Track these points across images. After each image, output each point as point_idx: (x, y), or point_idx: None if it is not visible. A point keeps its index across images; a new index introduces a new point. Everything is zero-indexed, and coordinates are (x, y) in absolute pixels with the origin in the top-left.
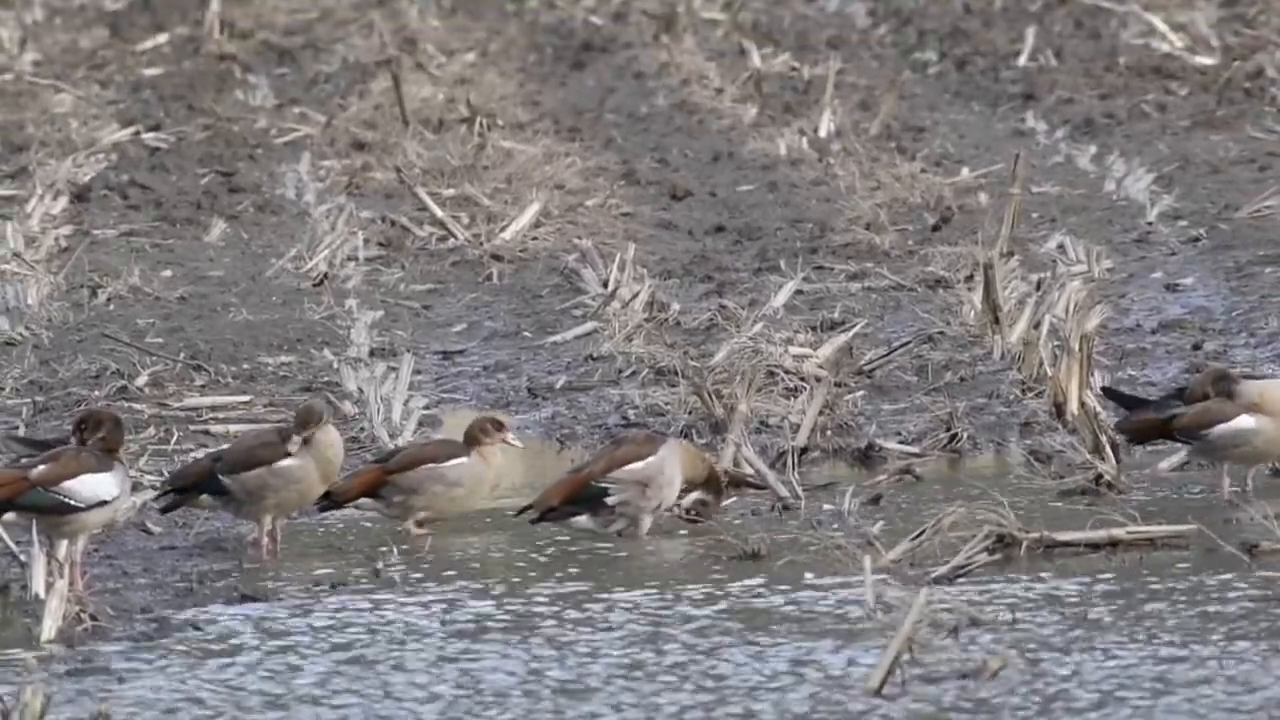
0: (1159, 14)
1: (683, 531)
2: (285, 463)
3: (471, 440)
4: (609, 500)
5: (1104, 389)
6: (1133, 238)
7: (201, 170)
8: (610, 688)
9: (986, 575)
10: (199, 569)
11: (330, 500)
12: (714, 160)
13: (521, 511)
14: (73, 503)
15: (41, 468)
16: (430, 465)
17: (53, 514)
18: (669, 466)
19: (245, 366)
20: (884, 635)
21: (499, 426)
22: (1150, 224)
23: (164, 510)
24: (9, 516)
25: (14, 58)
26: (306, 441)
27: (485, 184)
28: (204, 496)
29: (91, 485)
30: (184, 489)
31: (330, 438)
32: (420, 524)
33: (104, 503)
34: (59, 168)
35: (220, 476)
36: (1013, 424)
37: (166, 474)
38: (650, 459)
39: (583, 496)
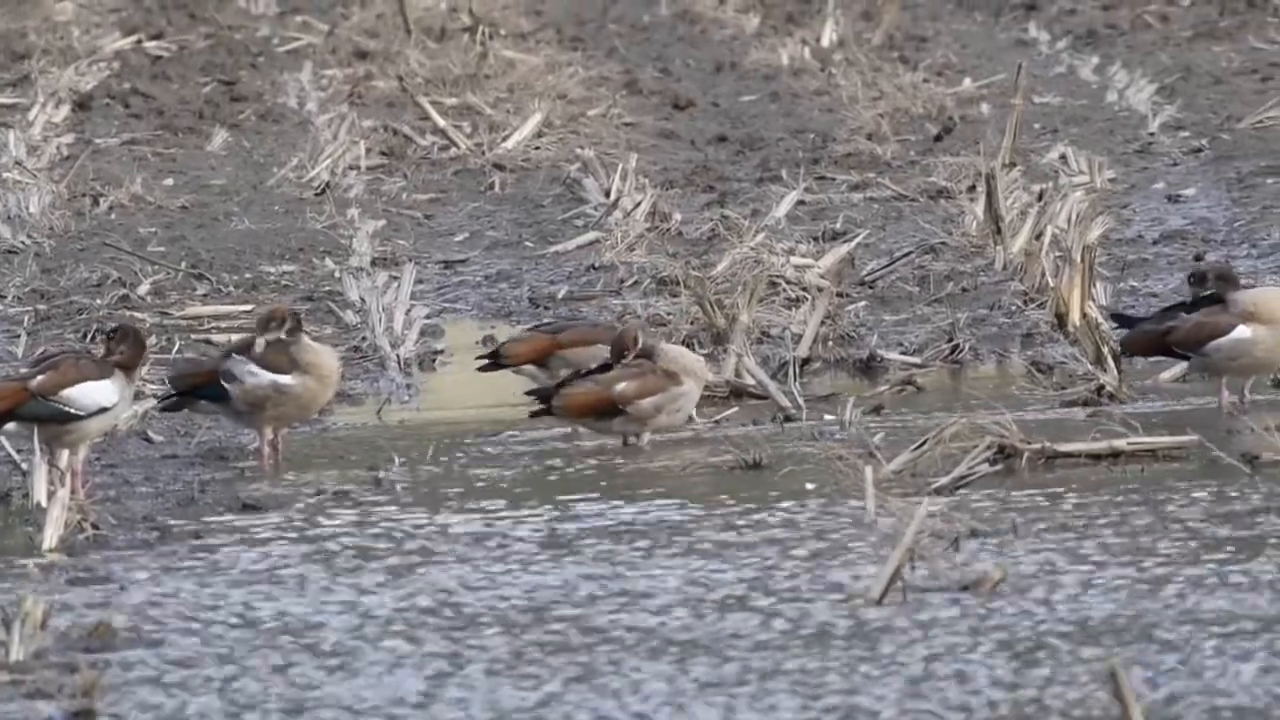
0: None
1: (684, 441)
2: (286, 379)
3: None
4: (622, 417)
5: (1108, 312)
6: (1134, 148)
7: (203, 79)
8: (605, 601)
9: (988, 485)
10: (200, 478)
11: (496, 361)
12: (716, 70)
13: (534, 415)
14: (73, 411)
15: (40, 377)
16: (600, 346)
17: (54, 423)
18: (691, 397)
19: (247, 276)
20: (885, 545)
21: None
22: (1152, 135)
23: (163, 409)
24: (10, 426)
25: None
26: (270, 344)
27: (487, 93)
28: (203, 402)
29: (91, 393)
30: (186, 391)
31: (328, 359)
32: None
33: (104, 409)
34: (61, 76)
35: (223, 382)
36: (1014, 335)
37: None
38: (676, 390)
39: (602, 411)
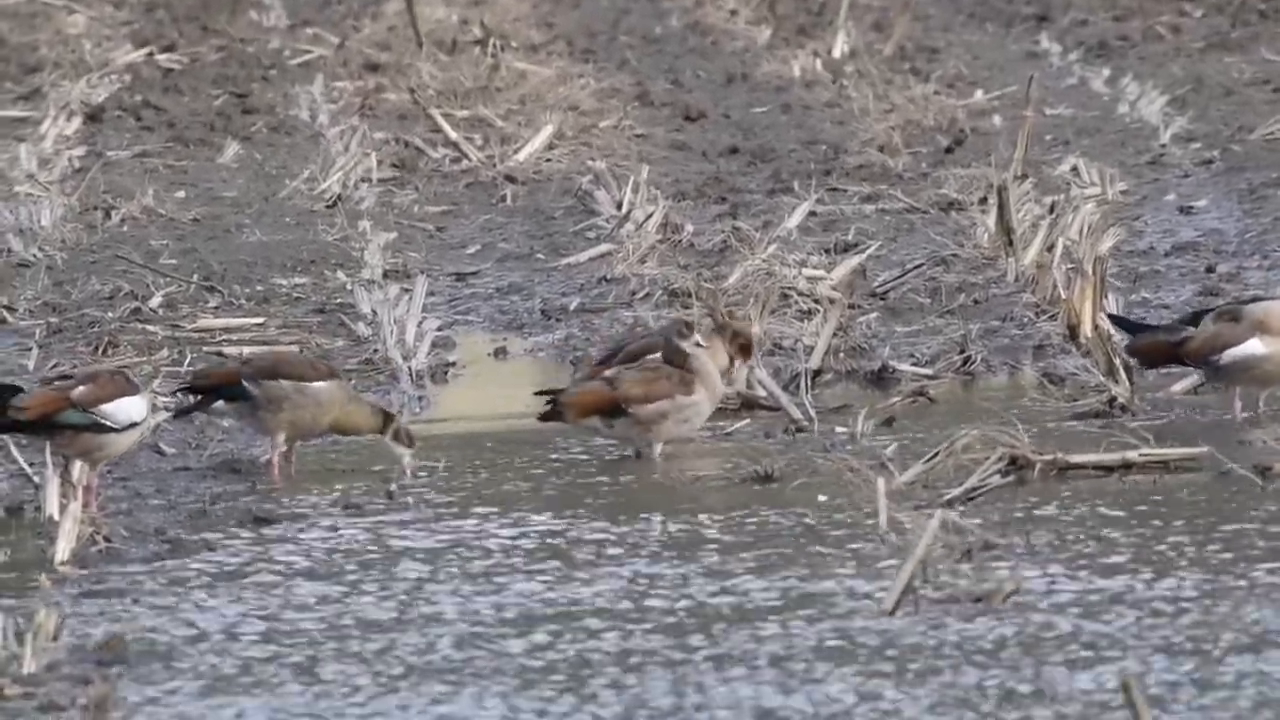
0: None
1: (695, 454)
2: (315, 384)
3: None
4: (624, 418)
5: (1109, 315)
6: (1146, 160)
7: (215, 91)
8: (619, 610)
9: (1000, 497)
10: (212, 490)
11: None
12: (728, 82)
13: (543, 417)
14: (108, 424)
15: (81, 389)
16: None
17: (88, 433)
18: (700, 410)
19: (259, 288)
20: (898, 557)
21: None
22: (1164, 146)
23: (178, 414)
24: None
25: None
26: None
27: (499, 105)
28: (220, 403)
29: (126, 408)
30: (205, 389)
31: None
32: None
33: (134, 424)
34: (72, 89)
35: (245, 381)
36: (1026, 346)
37: (187, 376)
38: (684, 399)
39: (606, 411)
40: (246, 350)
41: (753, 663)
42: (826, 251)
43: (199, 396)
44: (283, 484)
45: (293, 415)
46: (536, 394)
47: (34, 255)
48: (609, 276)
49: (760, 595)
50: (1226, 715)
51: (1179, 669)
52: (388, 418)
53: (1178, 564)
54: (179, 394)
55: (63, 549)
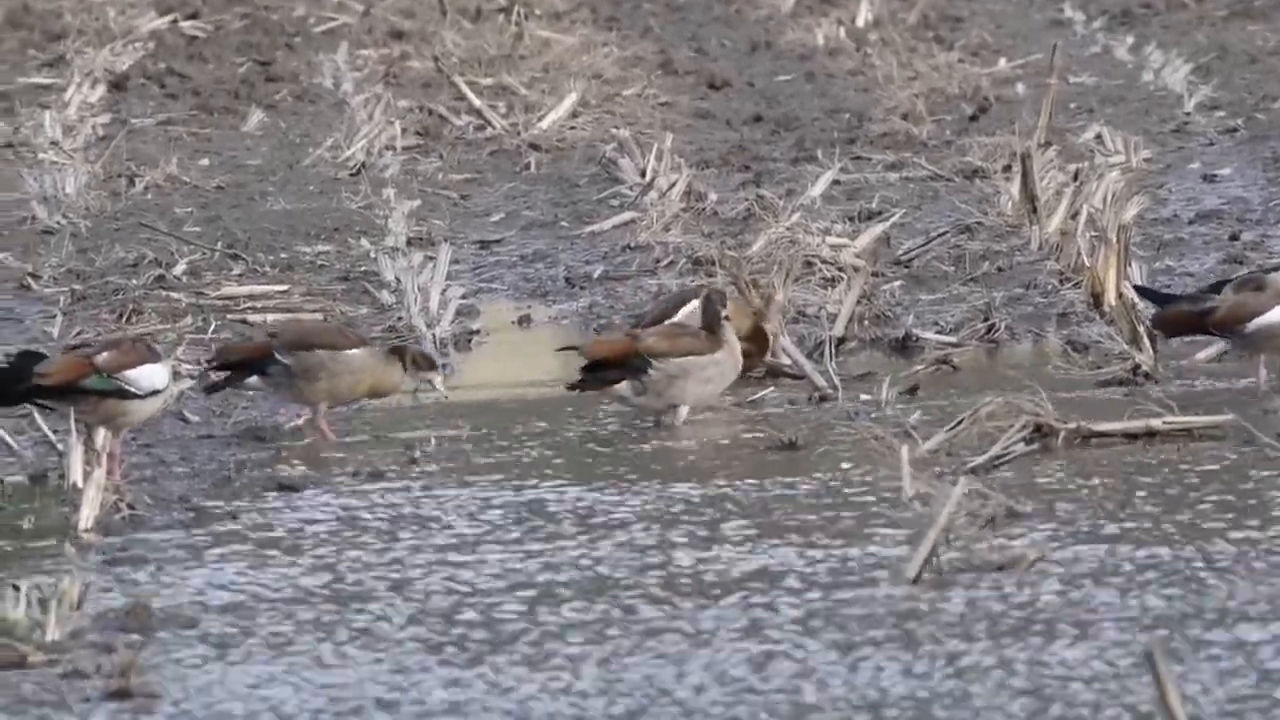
0: None
1: (719, 422)
2: (349, 352)
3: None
4: (650, 374)
5: (1135, 287)
6: (1170, 128)
7: (239, 59)
8: (642, 579)
9: (1024, 465)
10: (236, 458)
11: None
12: (752, 50)
13: (573, 386)
14: (131, 390)
15: (105, 354)
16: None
17: (111, 399)
18: (723, 371)
19: (283, 255)
20: (920, 525)
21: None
22: (1188, 114)
23: (210, 390)
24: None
25: None
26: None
27: (523, 73)
28: (253, 378)
29: (149, 374)
30: (236, 365)
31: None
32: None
33: (156, 392)
34: (96, 56)
35: (277, 354)
36: (1050, 314)
37: (211, 354)
38: (707, 358)
39: (628, 364)
40: (270, 318)
41: (772, 630)
42: (850, 219)
43: (229, 372)
44: (309, 447)
45: (330, 384)
46: (559, 350)
47: (58, 223)
48: (633, 244)
49: (782, 563)
50: (1246, 682)
51: (1204, 638)
52: (400, 354)
53: (1202, 532)
54: (209, 371)
55: (86, 516)
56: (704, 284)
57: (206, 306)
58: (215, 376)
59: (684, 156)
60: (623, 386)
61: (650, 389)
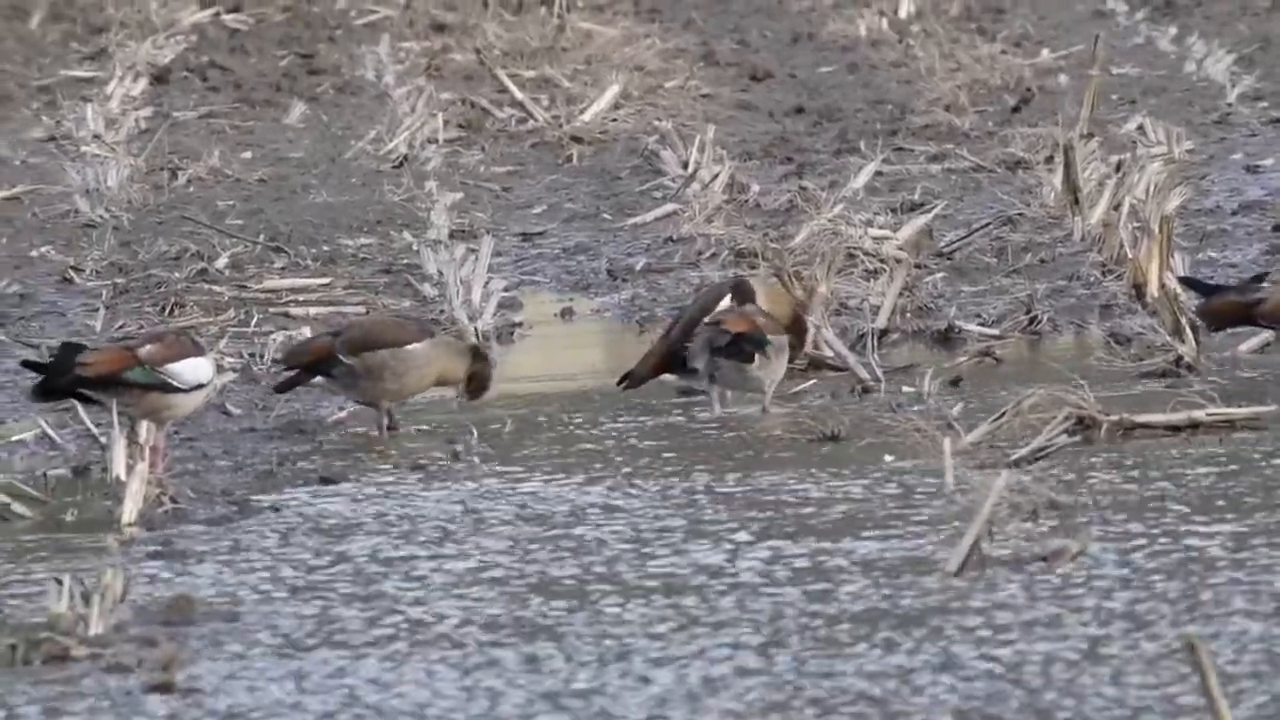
0: None
1: (761, 412)
2: (411, 347)
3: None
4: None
5: (1180, 278)
6: (1213, 119)
7: (281, 52)
8: (678, 576)
9: (1066, 457)
10: (279, 451)
11: None
12: (794, 41)
13: (620, 382)
14: (174, 383)
15: (148, 347)
16: None
17: (154, 392)
18: (782, 350)
19: (325, 248)
20: (963, 518)
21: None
22: (1230, 105)
23: (280, 389)
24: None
25: None
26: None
27: (565, 65)
28: (319, 378)
29: (192, 368)
30: (305, 366)
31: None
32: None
33: (200, 386)
34: (139, 49)
35: (340, 356)
36: (1093, 306)
37: (279, 352)
38: (779, 339)
39: (751, 338)
40: (312, 312)
41: (817, 624)
42: (893, 211)
43: (295, 371)
44: (386, 439)
45: (397, 383)
46: (619, 385)
47: (101, 216)
48: (675, 236)
49: (825, 556)
50: None
51: (1251, 630)
52: (477, 356)
53: (1247, 522)
54: (276, 370)
55: (129, 510)
56: (740, 275)
57: (249, 300)
58: (283, 377)
59: (726, 148)
60: (699, 362)
61: (765, 364)
